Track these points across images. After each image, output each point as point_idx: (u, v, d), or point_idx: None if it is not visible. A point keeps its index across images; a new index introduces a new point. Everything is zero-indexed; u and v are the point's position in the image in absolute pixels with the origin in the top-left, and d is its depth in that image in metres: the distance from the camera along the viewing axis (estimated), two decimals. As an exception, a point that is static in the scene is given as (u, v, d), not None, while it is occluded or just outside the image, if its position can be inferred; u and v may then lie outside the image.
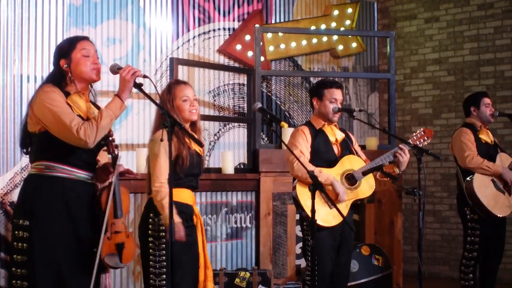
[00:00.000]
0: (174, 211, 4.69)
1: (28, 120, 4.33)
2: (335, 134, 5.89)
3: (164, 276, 4.83)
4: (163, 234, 4.84)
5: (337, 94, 5.88)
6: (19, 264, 4.25)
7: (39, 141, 4.30)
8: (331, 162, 5.77)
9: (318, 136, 5.84)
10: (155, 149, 4.89)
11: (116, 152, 4.36)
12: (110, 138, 4.35)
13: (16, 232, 4.28)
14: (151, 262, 4.87)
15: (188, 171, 4.94)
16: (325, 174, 5.62)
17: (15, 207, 4.48)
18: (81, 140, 4.15)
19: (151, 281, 4.87)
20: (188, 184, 5.01)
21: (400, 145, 5.78)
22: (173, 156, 4.86)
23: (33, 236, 4.22)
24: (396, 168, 5.82)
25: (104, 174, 4.50)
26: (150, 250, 4.86)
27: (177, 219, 4.72)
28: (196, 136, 4.87)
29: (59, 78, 4.37)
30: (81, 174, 4.34)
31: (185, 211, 4.91)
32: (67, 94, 4.31)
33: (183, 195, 4.94)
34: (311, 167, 5.54)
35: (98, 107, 4.48)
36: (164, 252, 4.85)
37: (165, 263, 4.84)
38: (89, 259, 4.29)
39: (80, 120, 4.19)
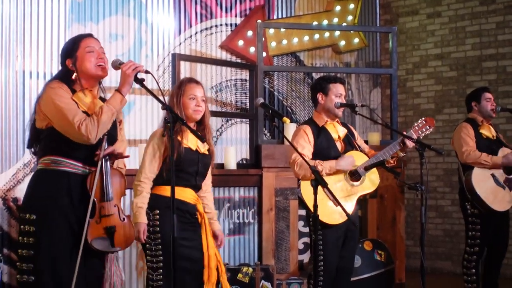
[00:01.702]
0: (144, 210, 4.79)
1: (36, 116, 4.36)
2: (337, 131, 5.90)
3: (161, 270, 4.85)
4: (158, 229, 4.86)
5: (342, 89, 5.90)
6: (26, 258, 4.26)
7: (46, 136, 4.33)
8: (334, 159, 5.77)
9: (321, 135, 5.84)
10: (147, 146, 4.98)
11: (105, 133, 4.35)
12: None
13: (23, 226, 4.29)
14: (147, 257, 4.90)
15: (183, 169, 4.93)
16: (326, 164, 5.65)
17: (22, 202, 4.49)
18: (82, 136, 4.17)
19: (149, 275, 4.91)
20: (185, 183, 5.01)
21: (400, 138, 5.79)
22: (163, 155, 4.91)
23: (40, 230, 4.24)
24: (400, 152, 5.82)
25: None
26: (147, 245, 4.89)
27: (143, 219, 4.80)
28: (198, 132, 4.85)
29: (66, 77, 4.39)
30: (86, 169, 4.35)
31: (181, 207, 4.90)
32: (73, 92, 4.33)
33: (183, 193, 4.97)
34: (311, 162, 5.57)
35: None
36: (160, 247, 4.87)
37: (161, 257, 4.86)
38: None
39: (83, 116, 4.20)
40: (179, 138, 4.89)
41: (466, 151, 6.80)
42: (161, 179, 4.94)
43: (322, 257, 5.58)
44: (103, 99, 4.51)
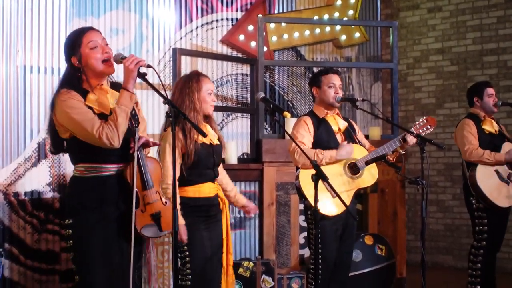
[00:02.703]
0: (179, 212, 4.88)
1: (57, 128, 4.34)
2: (338, 123, 5.92)
3: (189, 265, 5.04)
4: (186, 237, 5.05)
5: (334, 79, 5.92)
6: (72, 260, 4.34)
7: (73, 145, 4.33)
8: (334, 151, 5.79)
9: (321, 126, 5.87)
10: (162, 147, 5.09)
11: (135, 125, 4.37)
12: (131, 116, 4.37)
13: (63, 231, 4.39)
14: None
15: (202, 165, 5.05)
16: (327, 153, 5.67)
17: (62, 209, 4.55)
18: (106, 144, 4.17)
19: (179, 270, 5.05)
20: (207, 178, 5.18)
21: (404, 134, 5.79)
22: (181, 152, 4.98)
23: (76, 233, 4.29)
24: (400, 149, 5.84)
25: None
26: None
27: (181, 221, 4.95)
28: (199, 127, 4.87)
29: (74, 77, 4.35)
30: (120, 167, 4.36)
31: (206, 203, 5.15)
32: (85, 93, 4.30)
33: (204, 189, 5.16)
34: (311, 150, 5.62)
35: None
36: (186, 242, 5.05)
37: (187, 252, 5.05)
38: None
39: (100, 124, 4.18)
40: (194, 136, 4.99)
41: (469, 150, 6.80)
42: (182, 179, 5.06)
43: (320, 250, 5.60)
44: (114, 84, 4.51)
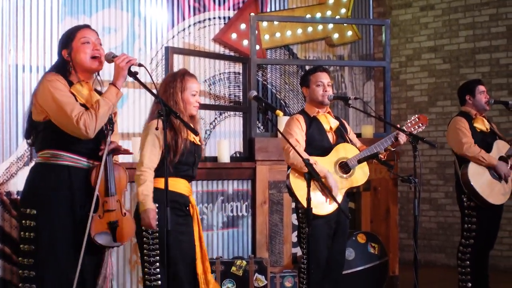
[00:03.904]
0: (151, 197, 4.77)
1: (33, 109, 4.34)
2: (329, 122, 5.92)
3: (158, 264, 4.88)
4: (156, 223, 4.86)
5: (322, 76, 5.92)
6: (27, 253, 4.26)
7: (44, 129, 4.31)
8: (325, 150, 5.80)
9: (313, 124, 5.87)
10: (144, 137, 4.99)
11: (109, 128, 4.36)
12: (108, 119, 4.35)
13: (23, 221, 4.29)
14: (145, 251, 4.91)
15: (183, 160, 4.97)
16: (319, 167, 5.63)
17: (22, 197, 4.47)
18: (81, 130, 4.16)
19: (145, 269, 4.92)
20: (184, 174, 5.06)
21: (396, 133, 5.80)
22: (162, 147, 4.91)
23: (40, 224, 4.24)
24: (391, 147, 5.83)
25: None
26: (144, 239, 4.90)
27: (151, 205, 4.79)
28: (191, 126, 4.86)
29: (62, 68, 4.38)
30: (86, 162, 4.35)
31: (179, 200, 4.97)
32: (70, 83, 4.33)
33: (178, 184, 5.00)
34: (306, 156, 5.57)
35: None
36: (157, 241, 4.89)
37: (158, 251, 4.88)
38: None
39: (81, 110, 4.19)
40: (183, 132, 4.95)
41: (467, 144, 6.78)
42: (160, 171, 4.94)
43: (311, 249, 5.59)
44: (99, 92, 4.51)
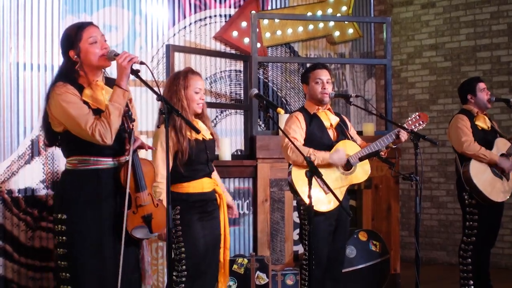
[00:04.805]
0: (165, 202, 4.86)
1: (50, 121, 4.34)
2: (329, 119, 5.92)
3: (184, 261, 5.04)
4: (179, 222, 5.05)
5: (321, 74, 5.92)
6: (62, 256, 4.32)
7: (67, 138, 4.33)
8: (326, 147, 5.79)
9: (313, 122, 5.87)
10: (153, 146, 5.05)
11: (131, 127, 4.38)
12: (127, 114, 4.36)
13: (56, 226, 4.36)
14: (173, 250, 5.05)
15: (195, 161, 5.02)
16: (319, 154, 5.66)
17: (53, 203, 4.52)
18: (98, 141, 4.18)
19: (174, 267, 5.06)
20: (202, 174, 5.17)
21: (397, 130, 5.80)
22: (173, 150, 4.96)
23: (70, 228, 4.28)
24: (392, 144, 5.83)
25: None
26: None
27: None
28: (193, 123, 4.85)
29: (70, 71, 4.35)
30: (112, 161, 4.36)
31: (205, 198, 5.13)
32: (81, 88, 4.31)
33: (199, 185, 5.14)
34: (305, 149, 5.60)
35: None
36: (181, 238, 5.05)
37: (183, 249, 5.04)
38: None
39: (94, 121, 4.18)
40: (187, 132, 5.01)
41: (467, 142, 6.78)
42: (179, 175, 5.03)
43: (313, 246, 5.60)
44: (108, 80, 4.51)
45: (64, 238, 4.29)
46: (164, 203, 4.77)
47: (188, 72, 5.20)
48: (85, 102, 4.27)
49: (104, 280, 4.29)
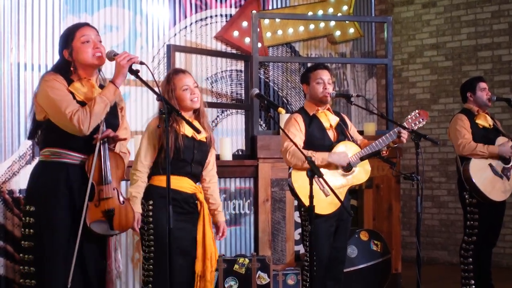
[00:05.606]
0: (139, 199, 4.85)
1: (35, 109, 4.38)
2: (329, 120, 5.90)
3: (152, 261, 4.89)
4: (151, 219, 4.89)
5: (322, 74, 5.89)
6: (27, 250, 4.29)
7: (45, 128, 4.35)
8: (326, 148, 5.78)
9: (312, 123, 5.85)
10: (142, 137, 5.03)
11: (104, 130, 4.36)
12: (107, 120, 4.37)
13: (24, 218, 4.33)
14: (142, 247, 4.94)
15: (179, 157, 4.93)
16: (318, 155, 5.65)
17: (25, 194, 4.52)
18: (75, 126, 4.17)
19: (143, 265, 4.96)
20: (182, 171, 5.01)
21: (398, 129, 5.78)
22: (159, 144, 4.92)
23: (39, 221, 4.26)
24: (392, 143, 5.82)
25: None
26: (142, 236, 4.92)
27: (137, 208, 4.82)
28: (192, 123, 4.83)
29: (63, 68, 4.40)
30: (85, 158, 4.35)
31: (177, 197, 4.89)
32: (70, 82, 4.34)
33: (179, 182, 4.97)
34: (304, 152, 5.58)
35: None
36: (152, 237, 4.91)
37: (153, 248, 4.90)
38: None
39: (76, 107, 4.20)
40: (176, 127, 4.90)
41: (461, 144, 6.80)
42: (158, 168, 4.95)
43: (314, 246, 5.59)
44: (103, 87, 4.51)
45: (31, 230, 4.26)
46: (134, 200, 4.79)
47: (171, 74, 5.13)
48: (72, 93, 4.29)
49: (66, 276, 4.22)
